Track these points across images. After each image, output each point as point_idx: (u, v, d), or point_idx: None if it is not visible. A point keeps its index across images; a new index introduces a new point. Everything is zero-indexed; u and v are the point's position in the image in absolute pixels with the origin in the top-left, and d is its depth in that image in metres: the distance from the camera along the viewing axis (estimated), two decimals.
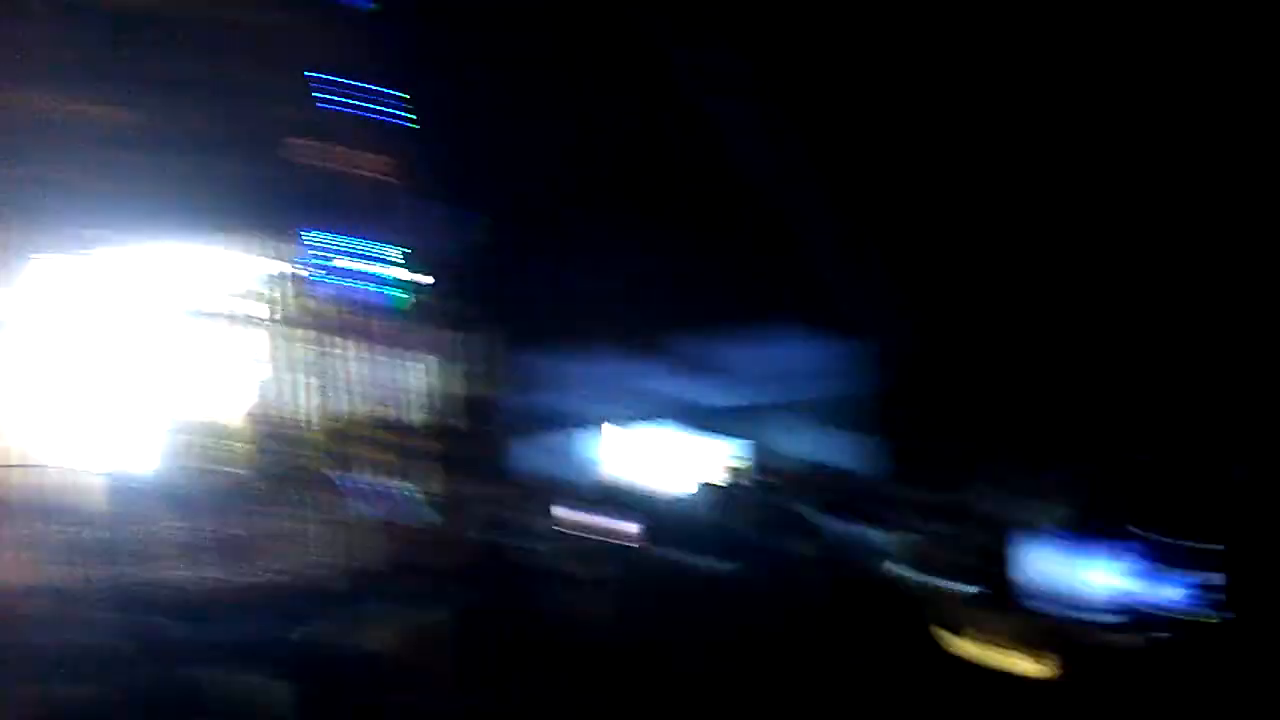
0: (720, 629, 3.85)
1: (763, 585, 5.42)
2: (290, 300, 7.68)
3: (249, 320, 7.64)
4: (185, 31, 7.75)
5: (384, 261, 7.80)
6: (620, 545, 5.02)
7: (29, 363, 6.77)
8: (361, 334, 7.74)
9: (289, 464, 7.46)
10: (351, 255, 7.80)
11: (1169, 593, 3.87)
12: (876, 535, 6.50)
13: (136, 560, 6.89)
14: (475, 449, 8.11)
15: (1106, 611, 3.74)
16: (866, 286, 10.79)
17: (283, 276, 7.65)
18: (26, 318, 6.75)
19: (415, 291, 7.83)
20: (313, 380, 7.66)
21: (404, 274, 7.80)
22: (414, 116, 8.36)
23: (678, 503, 9.14)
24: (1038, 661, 3.59)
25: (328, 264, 7.79)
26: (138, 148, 7.18)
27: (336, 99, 8.05)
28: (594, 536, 6.05)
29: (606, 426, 20.84)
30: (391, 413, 7.64)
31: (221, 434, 7.52)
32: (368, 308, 7.79)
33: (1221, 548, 4.15)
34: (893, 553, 5.86)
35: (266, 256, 7.58)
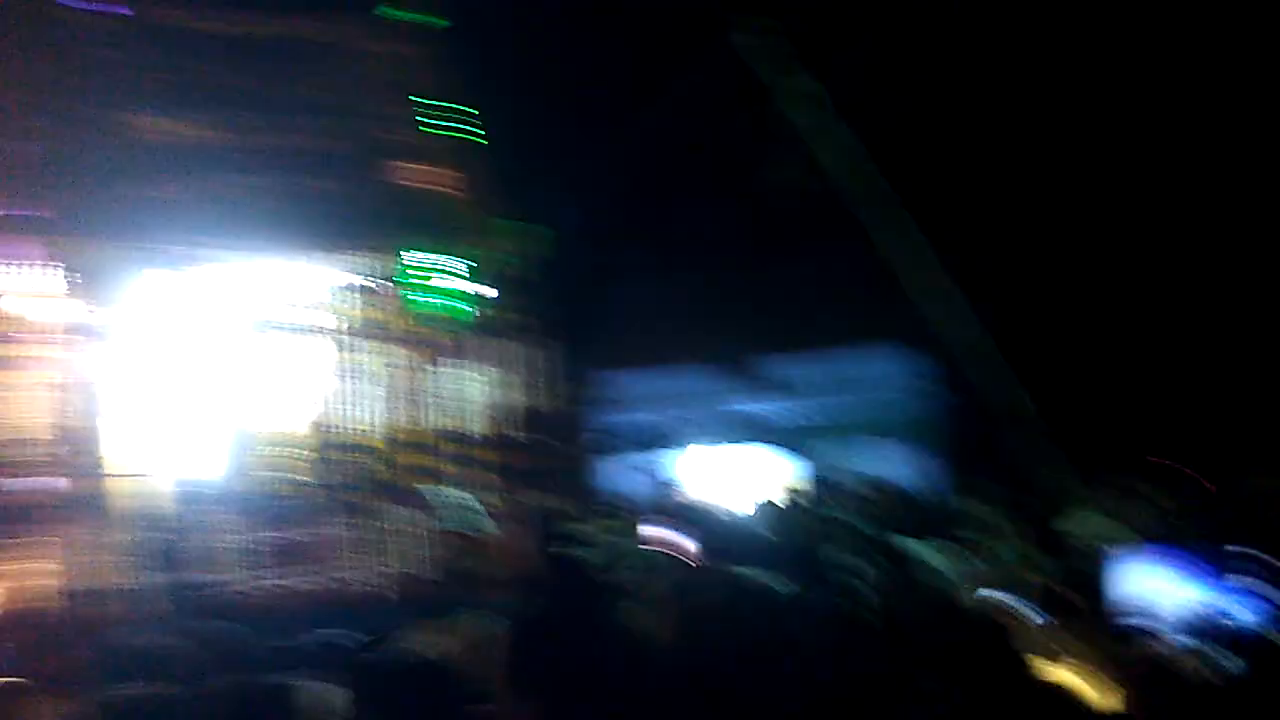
0: (790, 650, 3.72)
1: (835, 608, 5.29)
2: (375, 314, 7.76)
3: (335, 334, 7.75)
4: (277, 56, 7.93)
5: (466, 277, 7.84)
6: (688, 560, 4.92)
7: (129, 373, 6.91)
8: (443, 349, 7.79)
9: (369, 475, 7.53)
10: (438, 271, 7.85)
11: (1270, 614, 3.67)
12: (962, 557, 6.34)
13: (215, 566, 7.00)
14: (547, 463, 8.11)
15: (1204, 634, 3.55)
16: (950, 303, 10.60)
17: (368, 291, 7.74)
18: (128, 330, 6.90)
19: (494, 307, 7.85)
20: (394, 393, 7.73)
21: (484, 290, 7.83)
22: (496, 135, 8.43)
23: (751, 519, 9.02)
24: (1130, 688, 3.41)
25: (414, 279, 7.87)
26: (228, 167, 7.35)
27: (420, 119, 8.15)
28: (663, 551, 5.96)
29: (679, 442, 20.75)
30: (470, 426, 7.67)
31: (304, 445, 7.61)
32: (450, 323, 7.84)
33: None
34: (980, 576, 5.70)
35: (354, 272, 7.67)
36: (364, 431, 7.73)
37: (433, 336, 8.04)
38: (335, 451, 7.65)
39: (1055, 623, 3.63)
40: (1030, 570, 5.10)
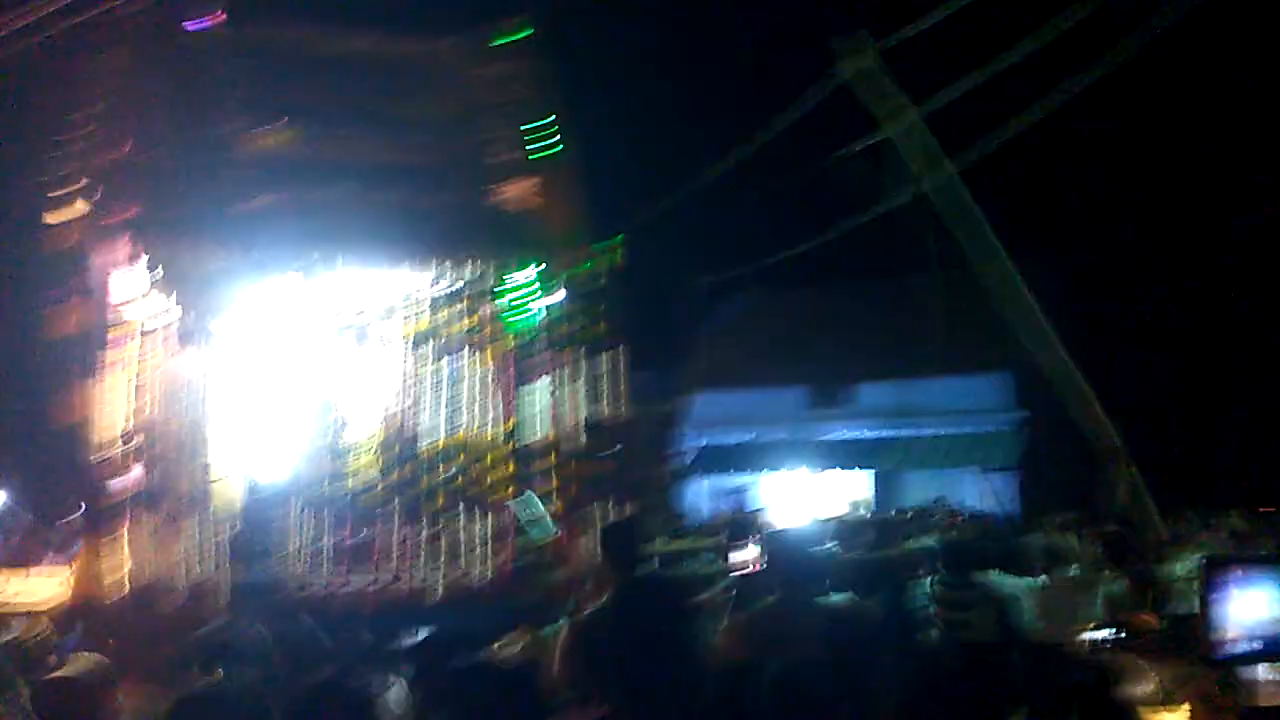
0: (868, 678, 3.60)
1: (916, 639, 5.14)
2: (463, 326, 7.83)
3: (422, 343, 7.84)
4: (366, 70, 8.11)
5: (555, 292, 7.86)
6: (767, 583, 4.82)
7: (222, 376, 7.08)
8: (531, 362, 7.81)
9: (450, 482, 7.57)
10: (528, 286, 7.89)
11: None
12: (1059, 593, 6.12)
13: (295, 565, 7.12)
14: (628, 478, 8.07)
15: None
16: (1047, 338, 10.33)
17: (457, 302, 7.81)
18: (225, 335, 7.07)
19: (581, 323, 7.85)
20: (477, 403, 7.77)
21: (572, 306, 7.84)
22: (591, 155, 8.47)
23: (834, 544, 8.85)
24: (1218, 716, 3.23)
25: (504, 293, 7.92)
26: (327, 180, 7.52)
27: (520, 137, 8.23)
28: (742, 572, 5.87)
29: (763, 464, 20.47)
30: (552, 438, 7.67)
31: (386, 451, 7.70)
32: (538, 336, 7.86)
33: None
34: (1079, 613, 5.50)
35: (445, 284, 7.76)
36: (446, 440, 7.78)
37: (520, 349, 8.08)
38: (418, 458, 7.72)
39: (1153, 662, 3.45)
40: (1130, 608, 4.87)
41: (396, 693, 3.73)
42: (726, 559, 7.00)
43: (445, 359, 7.88)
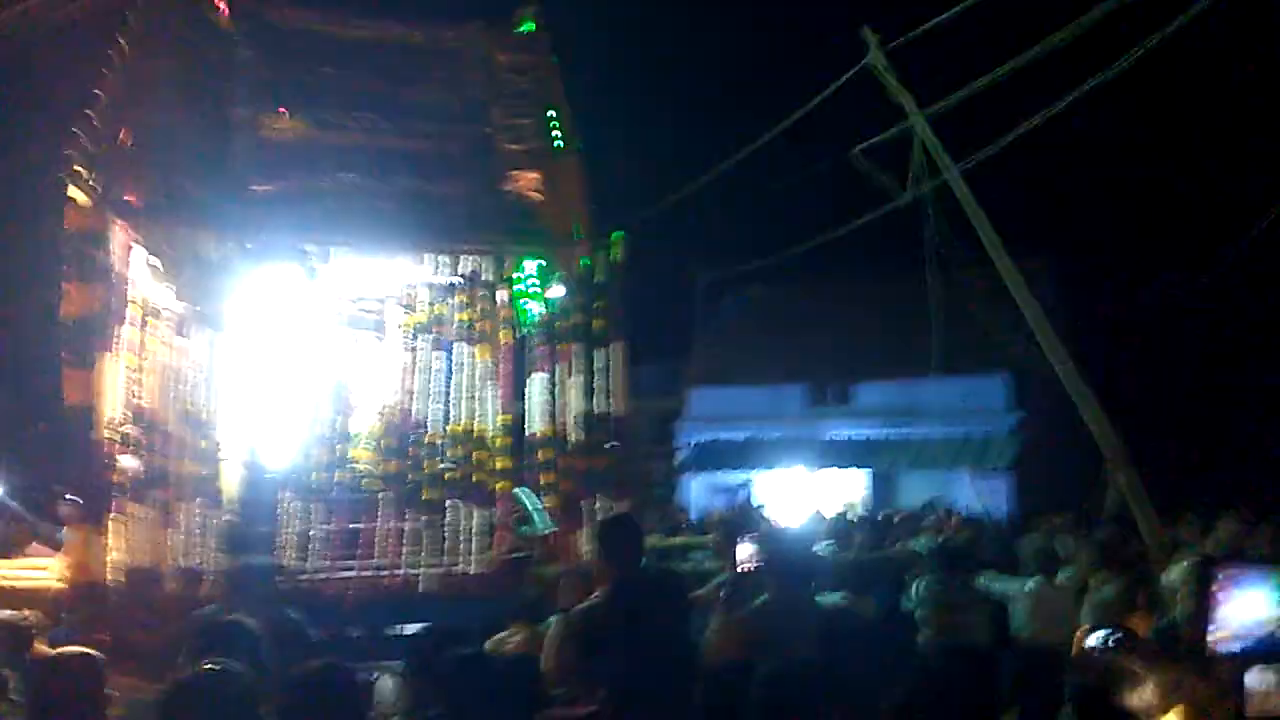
0: (864, 678, 3.58)
1: (911, 638, 5.13)
2: (470, 316, 7.80)
3: (429, 333, 7.82)
4: (383, 60, 8.09)
5: (562, 284, 7.82)
6: (765, 581, 4.80)
7: (232, 362, 7.05)
8: (536, 354, 7.79)
9: (453, 474, 7.56)
10: (537, 277, 7.86)
11: None
12: (1053, 595, 6.11)
13: (295, 553, 7.11)
14: (630, 472, 8.05)
15: None
16: (1051, 340, 10.32)
17: (465, 292, 7.78)
18: (237, 320, 7.04)
19: (587, 316, 7.81)
20: (482, 394, 7.75)
21: (578, 298, 7.81)
22: (606, 147, 8.42)
23: (833, 543, 8.84)
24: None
25: (513, 284, 7.90)
26: (344, 166, 7.50)
27: (536, 127, 8.19)
28: (741, 569, 5.85)
29: (764, 462, 20.43)
30: (555, 432, 7.64)
31: (388, 441, 7.68)
32: (543, 328, 7.83)
33: None
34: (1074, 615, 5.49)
35: (454, 273, 7.73)
36: (445, 431, 7.76)
37: (520, 342, 8.05)
38: (416, 449, 7.70)
39: (1149, 665, 3.43)
40: (1125, 611, 4.86)
41: (386, 683, 3.72)
42: (721, 556, 6.98)
43: (445, 351, 7.85)
